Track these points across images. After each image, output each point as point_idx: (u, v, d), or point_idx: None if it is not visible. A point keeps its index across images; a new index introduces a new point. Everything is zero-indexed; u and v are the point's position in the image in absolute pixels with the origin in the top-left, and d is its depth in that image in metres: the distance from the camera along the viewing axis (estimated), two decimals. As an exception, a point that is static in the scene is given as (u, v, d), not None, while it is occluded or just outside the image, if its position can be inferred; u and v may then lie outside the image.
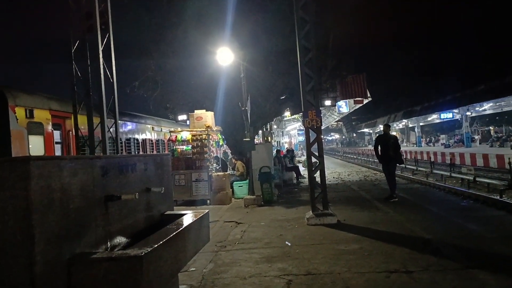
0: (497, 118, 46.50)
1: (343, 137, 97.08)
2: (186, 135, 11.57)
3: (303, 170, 16.82)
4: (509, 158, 14.98)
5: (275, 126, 27.70)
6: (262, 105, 14.15)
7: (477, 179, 14.47)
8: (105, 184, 2.83)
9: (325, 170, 8.15)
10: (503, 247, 5.48)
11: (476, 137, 38.66)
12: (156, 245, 2.72)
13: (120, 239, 2.93)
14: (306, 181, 9.51)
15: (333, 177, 17.29)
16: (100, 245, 2.66)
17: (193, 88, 13.39)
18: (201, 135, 11.43)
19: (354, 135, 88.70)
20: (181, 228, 3.27)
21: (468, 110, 32.95)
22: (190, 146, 11.39)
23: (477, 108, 33.52)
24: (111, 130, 8.79)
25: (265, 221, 8.17)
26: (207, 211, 4.01)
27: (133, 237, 3.09)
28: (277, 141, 29.29)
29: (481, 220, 7.46)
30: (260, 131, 18.92)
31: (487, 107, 32.96)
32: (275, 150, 16.15)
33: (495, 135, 37.20)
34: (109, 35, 8.70)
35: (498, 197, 11.42)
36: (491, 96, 26.39)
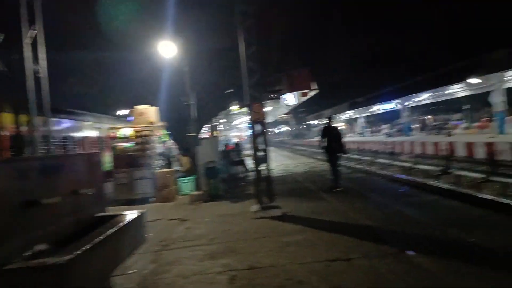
0: (433, 107, 49.21)
1: (292, 129, 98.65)
2: (128, 131, 11.15)
3: (250, 164, 16.87)
4: (442, 146, 15.91)
5: (224, 120, 27.56)
6: (208, 99, 14.00)
7: (415, 166, 15.21)
8: (23, 188, 2.62)
9: (273, 162, 8.19)
10: (435, 230, 5.76)
11: (415, 126, 40.64)
12: (80, 251, 2.55)
13: (43, 246, 2.72)
14: (253, 174, 9.51)
15: (280, 170, 17.49)
16: (18, 254, 2.46)
17: (134, 83, 12.96)
18: (144, 131, 11.07)
19: (302, 127, 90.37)
20: (112, 230, 3.11)
21: (407, 100, 34.54)
22: (133, 142, 10.99)
23: (415, 99, 35.22)
24: (45, 128, 8.25)
25: (211, 216, 8.08)
26: (144, 210, 3.86)
27: (60, 243, 2.89)
28: (225, 135, 29.17)
29: (417, 205, 7.84)
30: (207, 126, 18.76)
31: (425, 97, 34.73)
32: (222, 144, 16.06)
33: (432, 124, 39.37)
34: (37, 26, 8.13)
35: (434, 182, 12.10)
36: (427, 86, 27.80)
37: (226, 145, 16.21)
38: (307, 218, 7.20)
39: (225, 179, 11.58)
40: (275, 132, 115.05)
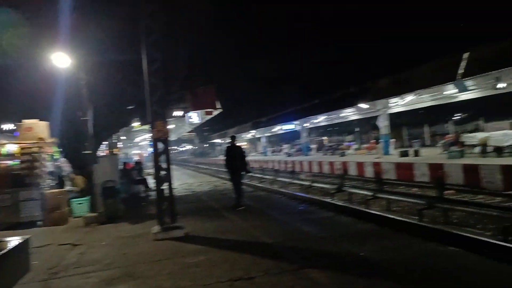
0: (329, 129, 52.88)
1: (195, 147, 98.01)
2: (13, 148, 10.04)
3: (152, 183, 16.32)
4: (337, 165, 17.08)
5: (123, 137, 26.35)
6: (108, 115, 13.27)
7: (313, 184, 16.05)
8: None
9: (176, 181, 8.00)
10: (331, 245, 6.10)
11: (313, 146, 43.17)
12: None
13: None
14: (155, 194, 9.16)
15: (184, 188, 17.19)
16: None
17: (23, 95, 11.77)
18: (32, 147, 10.06)
19: (206, 145, 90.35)
20: (-13, 260, 2.74)
21: (306, 122, 36.61)
22: (18, 160, 9.91)
23: (313, 120, 37.48)
24: None
25: (108, 239, 7.57)
26: (28, 236, 3.47)
27: None
28: (125, 153, 27.89)
29: (315, 222, 8.23)
30: (106, 143, 17.74)
31: (321, 119, 37.16)
32: (122, 162, 15.29)
33: (328, 145, 42.18)
34: None
35: (330, 199, 12.86)
36: (324, 109, 29.82)
37: (126, 163, 15.51)
38: (210, 237, 7.13)
39: (124, 199, 11.01)
40: (178, 151, 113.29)
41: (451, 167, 15.20)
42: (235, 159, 10.42)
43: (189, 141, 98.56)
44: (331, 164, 24.83)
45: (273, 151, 51.36)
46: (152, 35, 7.82)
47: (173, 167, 8.27)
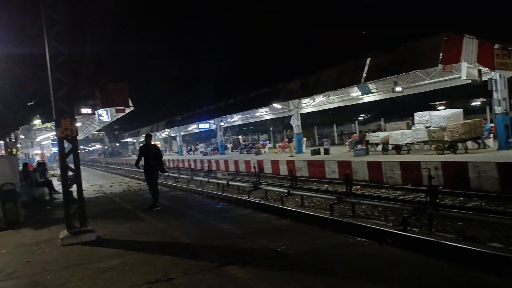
0: (244, 128, 53.70)
1: (106, 147, 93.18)
2: None
3: (58, 185, 15.16)
4: (253, 164, 17.42)
5: (22, 136, 24.13)
6: (4, 112, 12.07)
7: (230, 182, 16.19)
8: None
9: (85, 183, 7.52)
10: (249, 241, 6.21)
11: (229, 145, 43.47)
12: None
13: None
14: (61, 196, 8.53)
15: (94, 190, 16.21)
16: None
17: None
18: None
19: (117, 144, 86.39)
20: None
21: (221, 121, 36.73)
22: None
23: (229, 119, 37.74)
24: None
25: (9, 247, 6.90)
26: None
27: None
28: (25, 153, 25.59)
29: (233, 219, 8.30)
30: (2, 142, 16.09)
31: (237, 119, 37.56)
32: (22, 163, 13.98)
33: (243, 143, 42.75)
34: None
35: (247, 197, 13.08)
36: (239, 109, 30.19)
37: (27, 164, 14.25)
38: (124, 240, 6.84)
39: (27, 203, 10.10)
40: (87, 150, 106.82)
41: (358, 164, 16.33)
42: (150, 159, 10.10)
43: (98, 140, 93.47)
44: (247, 162, 25.23)
45: (189, 150, 50.73)
46: (55, 27, 7.24)
47: (81, 167, 7.78)
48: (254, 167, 14.85)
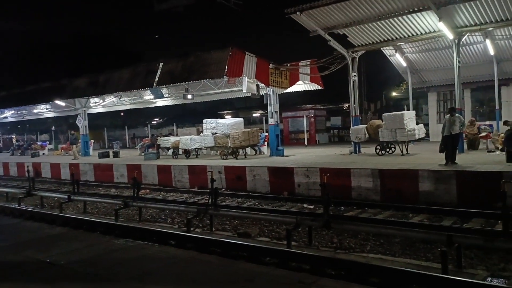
0: (19, 126, 46.73)
1: None
2: None
3: None
4: (27, 167, 15.34)
5: None
6: None
7: (-5, 189, 13.84)
8: None
9: None
10: (12, 254, 5.44)
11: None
12: None
13: None
14: None
15: None
16: None
17: None
18: None
19: None
20: None
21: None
22: None
23: (-2, 115, 32.13)
24: None
25: None
26: None
27: None
28: None
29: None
30: None
31: (9, 115, 32.34)
32: None
33: (17, 143, 37.07)
34: None
35: (17, 205, 11.42)
36: (12, 103, 26.10)
37: None
38: None
39: None
40: None
41: (147, 168, 16.25)
42: None
43: None
44: (20, 165, 22.09)
45: None
46: None
47: None
48: (28, 171, 13.02)
